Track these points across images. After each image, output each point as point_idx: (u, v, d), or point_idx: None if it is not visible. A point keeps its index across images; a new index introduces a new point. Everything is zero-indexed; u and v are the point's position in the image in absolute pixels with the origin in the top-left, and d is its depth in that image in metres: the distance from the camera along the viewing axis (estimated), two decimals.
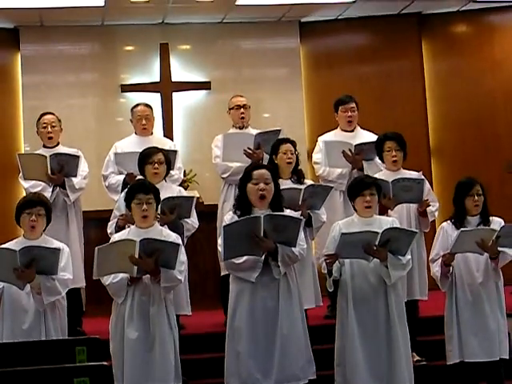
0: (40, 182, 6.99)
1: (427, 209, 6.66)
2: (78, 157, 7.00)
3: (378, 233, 5.58)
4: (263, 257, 5.47)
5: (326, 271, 5.68)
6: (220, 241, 5.47)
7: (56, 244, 5.71)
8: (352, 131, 7.60)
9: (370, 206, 5.81)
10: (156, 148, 6.66)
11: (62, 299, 5.67)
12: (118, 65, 9.73)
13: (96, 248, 5.40)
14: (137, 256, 5.35)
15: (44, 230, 5.76)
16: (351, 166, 7.20)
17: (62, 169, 6.91)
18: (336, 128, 7.69)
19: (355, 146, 7.14)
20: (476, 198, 6.08)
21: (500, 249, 5.93)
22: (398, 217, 6.38)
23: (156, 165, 6.49)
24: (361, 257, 5.66)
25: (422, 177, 6.66)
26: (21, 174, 7.06)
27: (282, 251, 5.46)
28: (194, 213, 6.52)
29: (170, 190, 6.53)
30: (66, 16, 9.07)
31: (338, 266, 5.71)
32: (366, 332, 5.66)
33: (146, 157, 6.54)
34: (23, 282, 5.41)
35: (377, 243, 5.58)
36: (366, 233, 5.61)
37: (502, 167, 9.34)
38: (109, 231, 6.42)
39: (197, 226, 6.59)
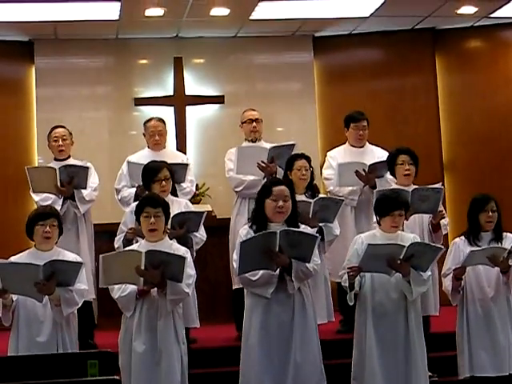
0: (50, 195, 7.00)
1: (440, 222, 6.64)
2: (87, 168, 7.02)
3: (404, 246, 5.57)
4: (277, 271, 5.46)
5: (346, 284, 5.65)
6: (235, 256, 5.46)
7: (68, 255, 5.74)
8: (361, 147, 7.59)
9: (397, 226, 5.82)
10: (160, 162, 6.60)
11: (75, 311, 5.67)
12: (131, 78, 9.75)
13: (100, 256, 5.42)
14: (143, 268, 5.35)
15: (56, 242, 5.78)
16: (364, 183, 7.19)
17: (72, 180, 6.93)
18: (345, 143, 7.69)
19: (369, 165, 7.13)
20: (490, 214, 6.07)
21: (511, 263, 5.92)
22: (411, 231, 6.35)
23: (163, 182, 6.43)
24: (383, 271, 5.64)
25: (441, 186, 6.64)
26: (30, 188, 7.08)
27: (296, 266, 5.44)
28: (201, 226, 6.53)
29: (176, 203, 6.52)
30: (81, 29, 9.10)
31: (359, 280, 5.69)
32: (384, 347, 5.65)
33: (152, 174, 6.46)
34: (43, 294, 5.43)
35: (401, 257, 5.57)
36: (393, 245, 5.60)
37: None
38: (116, 246, 6.42)
39: (205, 239, 6.60)
